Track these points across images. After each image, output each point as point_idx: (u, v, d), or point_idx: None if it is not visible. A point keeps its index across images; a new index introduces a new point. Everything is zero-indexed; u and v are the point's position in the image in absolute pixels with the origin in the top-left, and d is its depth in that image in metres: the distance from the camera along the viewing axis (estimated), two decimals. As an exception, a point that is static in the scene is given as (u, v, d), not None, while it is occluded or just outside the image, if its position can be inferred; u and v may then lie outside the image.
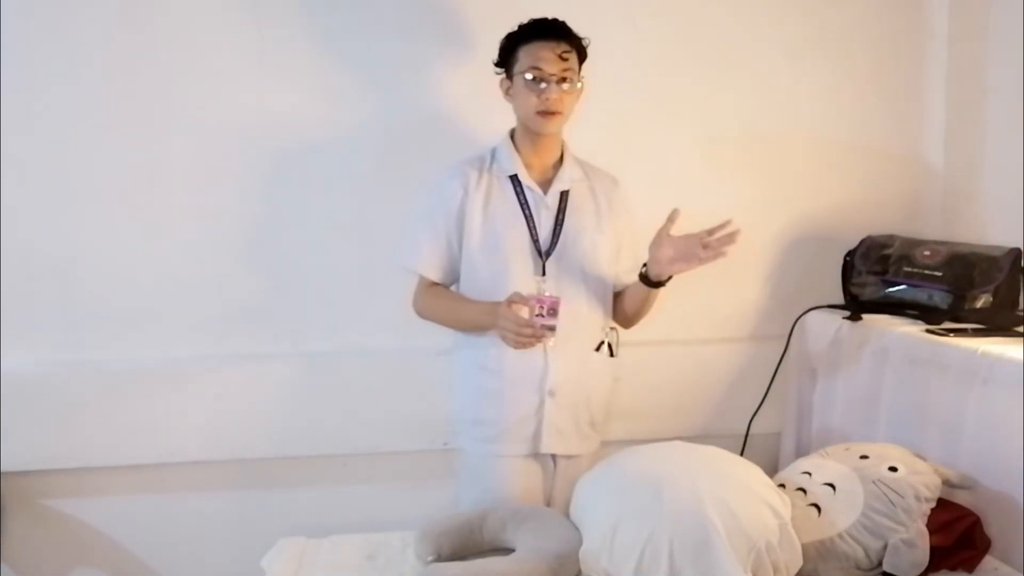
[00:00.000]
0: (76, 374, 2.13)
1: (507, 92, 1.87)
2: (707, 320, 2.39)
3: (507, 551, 1.54)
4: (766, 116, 2.36)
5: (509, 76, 1.85)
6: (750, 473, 1.51)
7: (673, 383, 2.31)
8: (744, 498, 1.41)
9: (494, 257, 1.85)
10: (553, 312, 1.72)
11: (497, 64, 1.88)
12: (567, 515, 1.63)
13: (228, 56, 2.13)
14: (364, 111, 2.19)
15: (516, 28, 1.84)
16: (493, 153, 1.93)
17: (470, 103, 2.17)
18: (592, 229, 1.89)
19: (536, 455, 1.88)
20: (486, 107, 1.96)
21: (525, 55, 1.80)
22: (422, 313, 1.94)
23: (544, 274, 1.84)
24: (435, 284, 1.92)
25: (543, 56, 1.78)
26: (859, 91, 2.38)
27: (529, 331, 1.70)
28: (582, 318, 1.88)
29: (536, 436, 1.86)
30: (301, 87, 2.16)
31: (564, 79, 1.79)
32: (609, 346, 1.93)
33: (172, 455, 2.19)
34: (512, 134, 1.93)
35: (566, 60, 1.79)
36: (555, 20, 1.83)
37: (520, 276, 1.83)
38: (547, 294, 1.78)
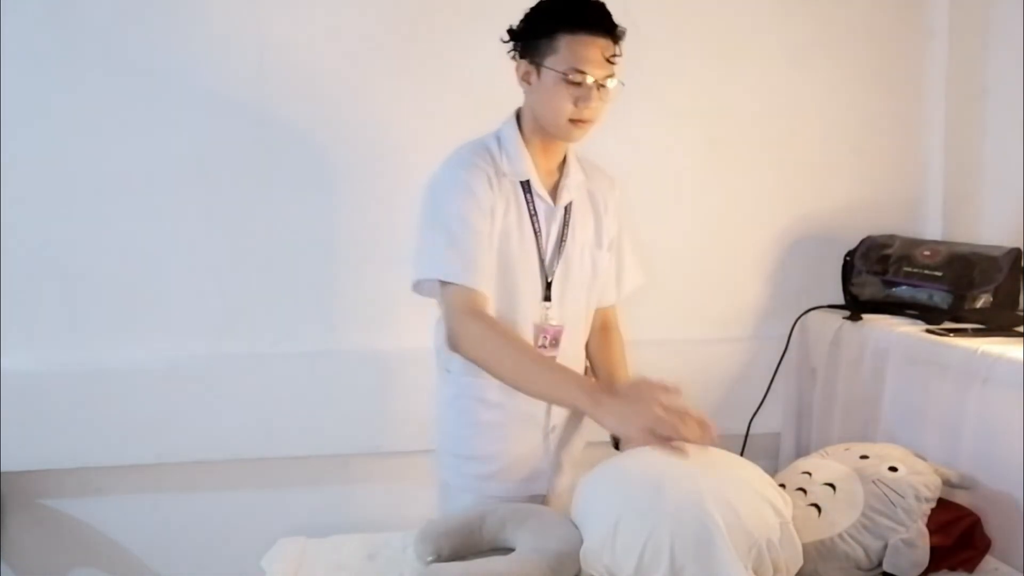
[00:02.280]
0: (76, 374, 2.13)
1: (525, 79, 1.55)
2: (707, 320, 2.39)
3: (507, 551, 1.53)
4: (766, 116, 2.36)
5: (535, 62, 1.52)
6: (751, 472, 1.50)
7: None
8: (745, 495, 1.41)
9: (504, 278, 1.59)
10: (555, 342, 1.60)
11: (514, 37, 1.55)
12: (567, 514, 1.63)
13: (228, 57, 2.13)
14: (364, 111, 2.19)
15: (551, 1, 1.52)
16: (499, 144, 1.62)
17: (474, 100, 2.17)
18: (592, 245, 1.70)
19: (529, 495, 1.70)
20: (491, 103, 1.93)
21: (568, 49, 1.47)
22: (472, 351, 1.50)
23: (549, 299, 1.62)
24: (484, 309, 1.52)
25: (591, 57, 1.47)
26: (859, 91, 2.38)
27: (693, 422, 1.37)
28: (578, 344, 1.72)
29: (534, 476, 1.70)
30: (301, 88, 2.16)
31: (604, 85, 1.51)
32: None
33: (172, 455, 2.19)
34: (518, 118, 1.63)
35: (613, 64, 1.51)
36: (602, 6, 1.50)
37: (528, 302, 1.60)
38: (552, 322, 1.62)
